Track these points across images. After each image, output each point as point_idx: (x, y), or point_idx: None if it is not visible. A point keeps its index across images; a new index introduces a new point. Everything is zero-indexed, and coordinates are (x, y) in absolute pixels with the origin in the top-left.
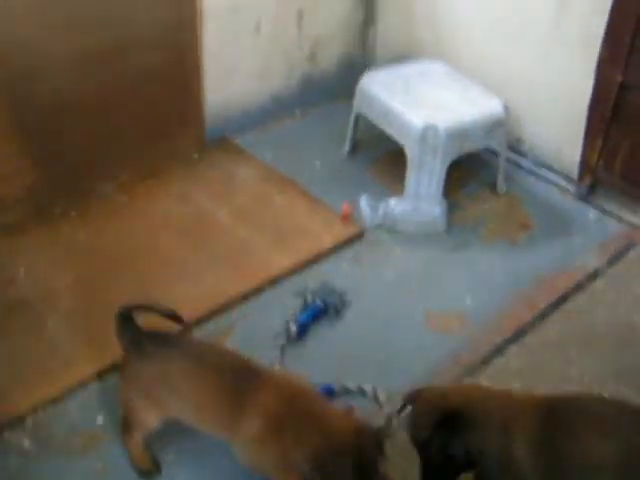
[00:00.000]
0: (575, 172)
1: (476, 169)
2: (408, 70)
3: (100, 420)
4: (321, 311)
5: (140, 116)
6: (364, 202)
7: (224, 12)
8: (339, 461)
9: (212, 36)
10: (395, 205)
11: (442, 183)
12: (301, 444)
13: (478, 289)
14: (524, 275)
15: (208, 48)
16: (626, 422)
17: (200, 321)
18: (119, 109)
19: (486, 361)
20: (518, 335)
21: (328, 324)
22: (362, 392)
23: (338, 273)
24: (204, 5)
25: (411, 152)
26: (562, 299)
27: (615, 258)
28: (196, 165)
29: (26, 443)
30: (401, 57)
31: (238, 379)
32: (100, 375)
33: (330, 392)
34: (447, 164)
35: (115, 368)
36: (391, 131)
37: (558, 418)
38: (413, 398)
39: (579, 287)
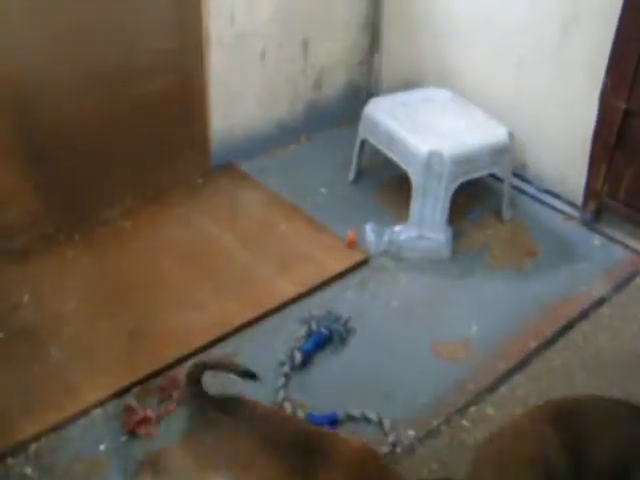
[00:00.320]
0: (580, 198)
1: (481, 195)
2: (413, 97)
3: (103, 447)
4: (326, 339)
5: (145, 141)
6: (369, 229)
7: (230, 39)
8: None
9: (218, 62)
10: (400, 232)
11: (447, 209)
12: None
13: (483, 316)
14: (529, 302)
15: (214, 74)
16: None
17: (203, 349)
18: (123, 134)
19: (491, 389)
20: (523, 363)
21: (333, 352)
22: (367, 420)
23: (343, 300)
24: (210, 32)
25: (416, 178)
26: (567, 326)
27: (620, 285)
28: (200, 190)
29: (28, 470)
30: (406, 84)
31: (308, 459)
32: (103, 402)
33: (334, 420)
34: (452, 190)
35: (118, 395)
36: (396, 157)
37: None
38: None
39: (584, 314)
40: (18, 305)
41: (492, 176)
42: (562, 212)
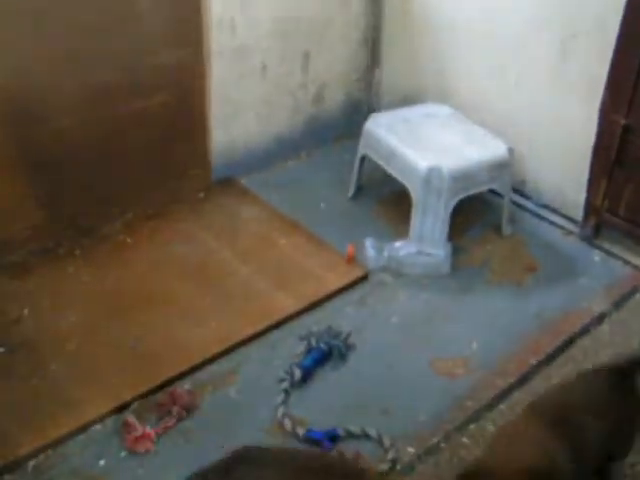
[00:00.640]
0: (579, 214)
1: (480, 211)
2: (413, 113)
3: (102, 463)
4: (325, 355)
5: (146, 156)
6: (369, 244)
7: (230, 54)
8: None
9: (218, 76)
10: (400, 248)
11: (447, 225)
12: None
13: (483, 333)
14: (529, 318)
15: (214, 88)
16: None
17: (204, 364)
18: (125, 149)
19: (491, 406)
20: (523, 379)
21: (332, 368)
22: (366, 436)
23: (343, 316)
24: (211, 46)
25: (416, 194)
26: (567, 342)
27: (620, 301)
28: (201, 205)
29: None
30: (406, 100)
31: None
32: (102, 418)
33: (334, 436)
34: (451, 206)
35: (118, 410)
36: (396, 173)
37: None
38: None
39: (585, 330)
40: (18, 319)
41: (491, 191)
42: (562, 227)
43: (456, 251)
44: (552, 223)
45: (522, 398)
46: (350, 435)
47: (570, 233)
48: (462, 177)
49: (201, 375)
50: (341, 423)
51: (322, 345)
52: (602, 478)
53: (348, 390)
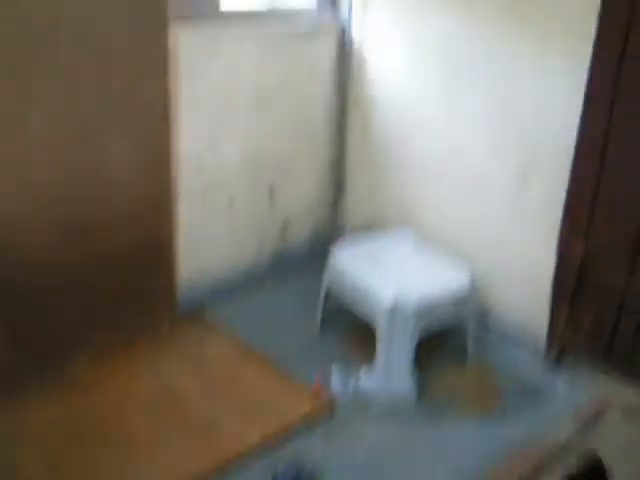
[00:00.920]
0: (543, 343)
1: (445, 342)
2: (376, 244)
3: None
4: None
5: (112, 291)
6: (335, 377)
7: (199, 189)
8: None
9: (186, 212)
10: (365, 380)
11: (412, 358)
12: None
13: (452, 464)
14: (495, 449)
15: (182, 224)
16: None
17: None
18: (92, 284)
19: None
20: None
21: None
22: None
23: (309, 451)
24: (179, 182)
25: (380, 329)
26: (536, 470)
27: (585, 430)
28: (167, 338)
29: None
30: (370, 227)
31: None
32: None
33: None
34: (416, 339)
35: None
36: (360, 307)
37: None
38: None
39: (552, 457)
40: None
41: (456, 323)
42: (526, 356)
43: (422, 382)
44: (516, 352)
45: None
46: None
47: (534, 362)
48: (426, 312)
49: None
50: None
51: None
52: None
53: None
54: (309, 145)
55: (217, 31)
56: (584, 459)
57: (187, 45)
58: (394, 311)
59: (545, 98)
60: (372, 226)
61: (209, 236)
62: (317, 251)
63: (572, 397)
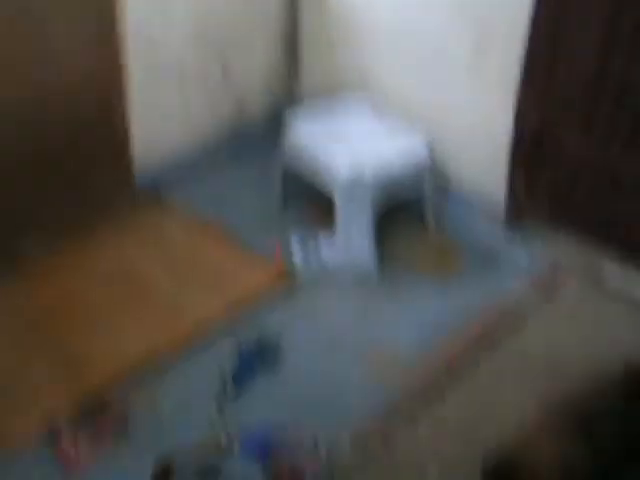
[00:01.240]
0: (502, 210)
1: (405, 213)
2: (332, 115)
3: None
4: (256, 363)
5: (67, 174)
6: (296, 250)
7: (150, 63)
8: None
9: (137, 84)
10: (326, 252)
11: (372, 229)
12: None
13: (412, 330)
14: (458, 314)
15: (133, 100)
16: None
17: (133, 378)
18: (46, 166)
19: (423, 402)
20: (454, 375)
21: (265, 379)
22: (302, 444)
23: (273, 322)
24: (129, 56)
25: (338, 201)
26: (495, 336)
27: (544, 294)
28: (126, 219)
29: None
30: (327, 95)
31: None
32: (33, 442)
33: (270, 447)
34: (375, 210)
35: (48, 432)
36: (318, 181)
37: None
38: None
39: (510, 324)
40: None
41: (415, 192)
42: (485, 222)
43: (382, 252)
44: (475, 219)
45: (451, 392)
46: (286, 444)
47: (493, 228)
48: (384, 183)
49: (132, 389)
50: (276, 433)
51: (252, 353)
52: None
53: (281, 399)
54: (262, 16)
55: None
56: None
57: None
58: (351, 183)
59: None
60: (329, 97)
61: (161, 113)
62: (274, 126)
63: (531, 262)
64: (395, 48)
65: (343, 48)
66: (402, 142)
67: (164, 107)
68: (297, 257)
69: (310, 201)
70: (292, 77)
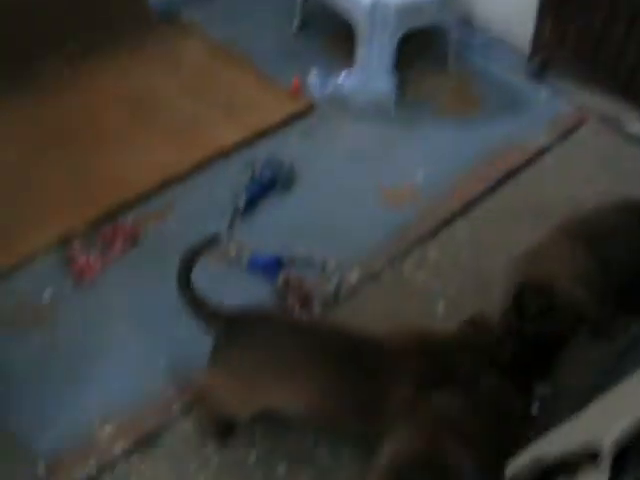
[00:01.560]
0: (527, 50)
1: (427, 45)
2: None
3: (48, 294)
4: (270, 184)
5: None
6: (314, 77)
7: None
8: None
9: None
10: (345, 80)
11: (392, 58)
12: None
13: (429, 163)
14: (475, 150)
15: None
16: None
17: (145, 195)
18: None
19: (435, 232)
20: (467, 208)
21: (277, 198)
22: (311, 262)
23: (287, 148)
24: None
25: (360, 27)
26: (511, 174)
27: (564, 136)
28: (143, 40)
29: None
30: None
31: (363, 362)
32: (46, 251)
33: (278, 262)
34: (397, 39)
35: (62, 243)
36: (341, 5)
37: None
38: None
39: (528, 163)
40: None
41: (438, 25)
42: (509, 63)
43: (402, 84)
44: (500, 59)
45: (464, 225)
46: (294, 261)
47: (517, 69)
48: (408, 9)
49: (143, 206)
50: (286, 250)
51: (266, 174)
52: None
53: (292, 219)
54: None
55: None
56: None
57: None
58: (373, 6)
59: None
60: None
61: None
62: None
63: (553, 107)
64: None
65: None
66: None
67: None
68: (315, 86)
69: (330, 30)
70: None
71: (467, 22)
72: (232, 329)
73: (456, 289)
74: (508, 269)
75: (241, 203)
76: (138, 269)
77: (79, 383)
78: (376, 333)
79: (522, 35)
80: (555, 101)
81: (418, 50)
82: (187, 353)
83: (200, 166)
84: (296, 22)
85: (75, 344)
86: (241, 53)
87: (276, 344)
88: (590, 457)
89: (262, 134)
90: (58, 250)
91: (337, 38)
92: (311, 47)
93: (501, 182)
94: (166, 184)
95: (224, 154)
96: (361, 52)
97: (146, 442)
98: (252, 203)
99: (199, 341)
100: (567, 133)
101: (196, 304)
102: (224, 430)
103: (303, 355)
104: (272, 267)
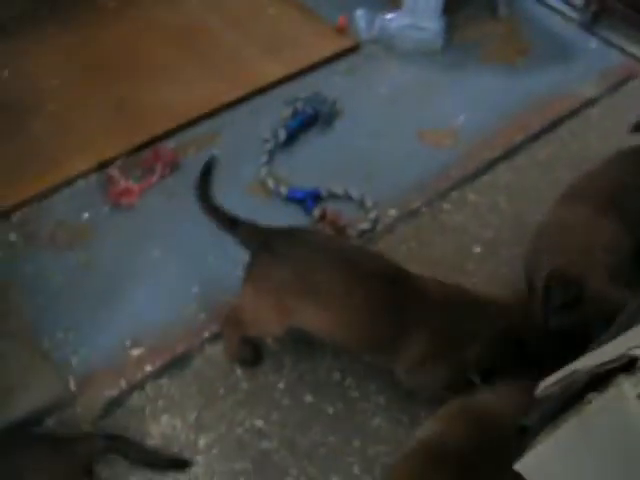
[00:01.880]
0: (579, 2)
1: None
2: None
3: (86, 216)
4: (311, 119)
5: None
6: (360, 15)
7: None
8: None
9: None
10: (392, 19)
11: (441, 1)
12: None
13: (472, 108)
14: (520, 98)
15: None
16: None
17: (188, 125)
18: None
19: (475, 176)
20: (508, 154)
21: (318, 132)
22: (348, 198)
23: (331, 85)
24: None
25: None
26: (556, 123)
27: (613, 88)
28: None
29: (12, 237)
30: None
31: (394, 291)
32: (86, 174)
33: (316, 196)
34: None
35: (102, 167)
36: None
37: None
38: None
39: (574, 113)
40: None
41: None
42: (561, 12)
43: (450, 28)
44: (551, 8)
45: (506, 171)
46: (332, 196)
47: (569, 19)
48: None
49: (185, 136)
50: (324, 185)
51: (308, 109)
52: None
53: (333, 154)
54: None
55: None
56: None
57: None
58: None
59: None
60: None
61: None
62: None
63: (603, 58)
64: None
65: None
66: None
67: None
68: (361, 26)
69: None
70: None
71: None
72: (269, 246)
73: (493, 233)
74: (534, 242)
75: (282, 137)
76: (176, 196)
77: (113, 304)
78: (425, 277)
79: None
80: (605, 53)
81: None
82: (220, 281)
83: (243, 99)
84: None
85: (110, 266)
86: None
87: (310, 264)
88: (624, 368)
89: (306, 70)
90: (99, 174)
91: None
92: None
93: (545, 131)
94: (208, 115)
95: (268, 89)
96: None
97: (176, 365)
98: (293, 138)
99: (232, 271)
100: (616, 85)
101: (223, 217)
102: (253, 357)
103: (334, 278)
104: (310, 200)
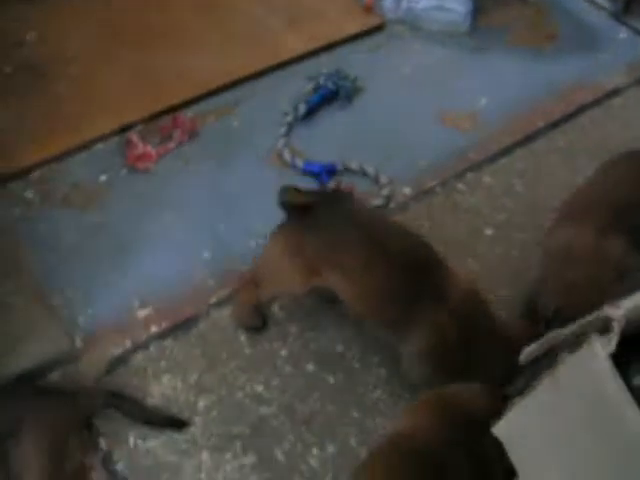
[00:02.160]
0: None
1: None
2: None
3: (103, 178)
4: (332, 95)
5: None
6: None
7: None
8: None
9: None
10: (419, 1)
11: None
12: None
13: (494, 92)
14: (543, 85)
15: None
16: None
17: (208, 94)
18: None
19: (492, 159)
20: (528, 139)
21: (338, 108)
22: (364, 173)
23: (354, 61)
24: None
25: None
26: (578, 111)
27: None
28: None
29: (29, 194)
30: None
31: (416, 279)
32: (106, 137)
33: (332, 170)
34: None
35: (121, 131)
36: None
37: None
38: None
39: (597, 102)
40: (22, 42)
41: None
42: (591, 0)
43: (477, 10)
44: None
45: (524, 155)
46: (347, 170)
47: (600, 7)
48: None
49: (204, 104)
50: (340, 159)
51: (330, 84)
52: None
53: (351, 130)
54: None
55: None
56: None
57: None
58: None
59: None
60: None
61: None
62: None
63: (632, 48)
64: None
65: None
66: None
67: None
68: (388, 4)
69: None
70: None
71: None
72: (309, 211)
73: (506, 216)
74: (541, 262)
75: (301, 110)
76: (193, 163)
77: (123, 265)
78: (458, 275)
79: None
80: (635, 43)
81: None
82: (230, 249)
83: (265, 72)
84: None
85: (123, 228)
86: None
87: (343, 237)
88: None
89: (330, 46)
90: (118, 138)
91: None
92: None
93: (566, 118)
94: (229, 86)
95: (290, 62)
96: None
97: (181, 327)
98: (312, 112)
99: (243, 240)
100: None
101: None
102: (258, 323)
103: (362, 255)
104: (325, 173)
